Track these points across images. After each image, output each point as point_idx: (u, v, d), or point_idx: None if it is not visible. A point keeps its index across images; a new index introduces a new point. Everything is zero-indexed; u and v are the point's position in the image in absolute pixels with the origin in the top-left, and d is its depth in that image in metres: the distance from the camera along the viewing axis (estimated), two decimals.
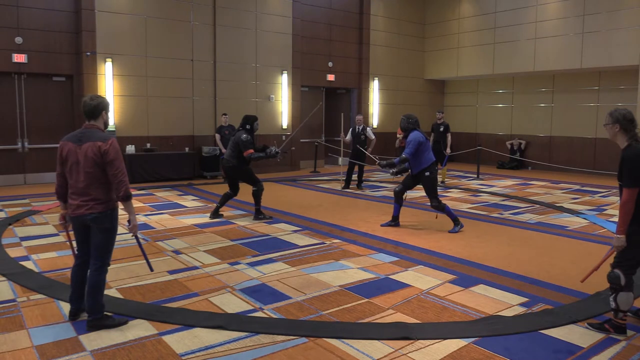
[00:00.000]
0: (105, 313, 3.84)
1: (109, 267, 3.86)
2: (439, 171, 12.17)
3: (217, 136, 12.23)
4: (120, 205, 3.78)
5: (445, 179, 12.32)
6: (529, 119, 16.05)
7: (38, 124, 11.26)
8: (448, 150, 11.72)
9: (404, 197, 7.38)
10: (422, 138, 7.01)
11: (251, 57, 13.80)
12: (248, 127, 7.74)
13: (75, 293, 3.90)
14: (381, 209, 8.75)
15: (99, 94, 11.46)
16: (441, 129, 11.85)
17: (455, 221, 7.12)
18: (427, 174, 7.01)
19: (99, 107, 3.75)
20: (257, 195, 7.82)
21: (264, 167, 14.07)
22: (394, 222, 7.43)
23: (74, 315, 3.91)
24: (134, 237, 3.95)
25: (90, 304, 3.75)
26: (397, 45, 17.28)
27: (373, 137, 11.20)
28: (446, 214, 7.10)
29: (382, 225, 7.42)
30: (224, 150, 12.18)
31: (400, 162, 7.06)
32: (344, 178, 11.35)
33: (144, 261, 5.51)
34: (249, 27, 13.70)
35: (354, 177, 11.41)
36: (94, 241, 3.74)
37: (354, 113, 16.43)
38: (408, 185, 7.31)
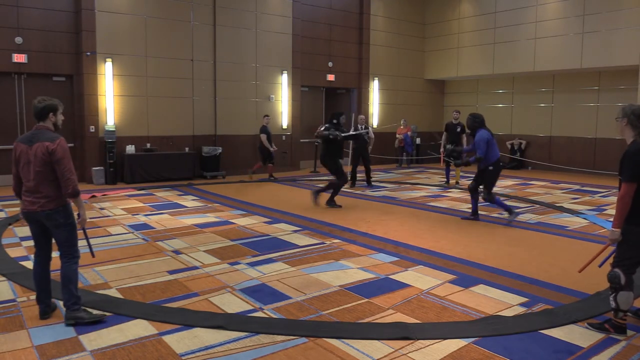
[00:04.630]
0: (83, 307, 3.90)
1: (79, 259, 3.95)
2: (452, 172, 12.10)
3: (264, 136, 12.10)
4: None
5: (459, 180, 12.17)
6: (529, 119, 16.05)
7: None
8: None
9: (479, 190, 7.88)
10: (489, 136, 7.50)
11: (251, 57, 13.80)
12: (335, 121, 8.76)
13: (42, 292, 3.95)
14: (381, 209, 8.74)
15: (99, 93, 11.58)
16: (458, 129, 11.52)
17: (509, 211, 7.60)
18: (490, 168, 7.51)
19: (46, 110, 3.84)
20: (333, 185, 8.73)
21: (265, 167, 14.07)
22: (474, 216, 7.86)
23: (44, 315, 3.94)
24: (81, 230, 4.03)
25: (65, 297, 3.83)
26: (397, 45, 17.28)
27: (372, 136, 11.40)
28: (497, 205, 7.64)
29: (462, 218, 7.92)
30: (272, 148, 12.15)
31: (476, 162, 7.54)
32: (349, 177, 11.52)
33: (144, 261, 5.54)
34: (249, 27, 13.71)
35: (358, 176, 11.50)
36: (56, 238, 3.89)
37: (355, 113, 16.43)
38: (479, 179, 7.74)
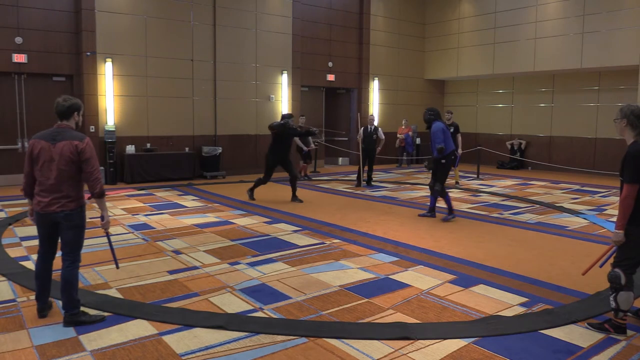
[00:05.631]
0: (81, 309, 3.91)
1: (80, 264, 3.94)
2: (451, 172, 12.11)
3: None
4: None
5: (458, 180, 12.22)
6: (529, 119, 16.05)
7: (38, 124, 11.22)
8: (460, 150, 11.69)
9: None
10: (444, 126, 7.67)
11: (251, 57, 13.80)
12: (282, 122, 9.36)
13: (43, 291, 3.96)
14: (381, 209, 8.74)
15: (99, 93, 11.58)
16: (451, 129, 11.66)
17: (450, 211, 7.76)
18: (442, 161, 7.64)
19: (72, 109, 3.85)
20: (258, 180, 9.56)
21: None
22: (430, 213, 8.03)
23: (41, 312, 3.95)
24: (105, 233, 4.07)
25: (64, 300, 3.82)
26: (397, 45, 17.28)
27: (383, 137, 11.60)
28: (445, 200, 7.76)
29: (419, 215, 8.12)
30: (306, 148, 12.53)
31: (439, 153, 7.61)
32: (356, 177, 11.72)
33: (144, 261, 5.54)
34: (249, 27, 13.70)
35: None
36: (64, 239, 3.83)
37: (354, 113, 16.46)
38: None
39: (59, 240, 3.91)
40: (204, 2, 12.92)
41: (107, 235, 4.09)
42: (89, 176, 3.74)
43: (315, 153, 14.68)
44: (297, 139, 12.35)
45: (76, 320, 3.81)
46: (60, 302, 4.22)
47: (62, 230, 3.81)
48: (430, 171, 8.09)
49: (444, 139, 7.54)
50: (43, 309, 3.96)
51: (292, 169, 9.42)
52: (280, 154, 9.32)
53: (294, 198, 9.47)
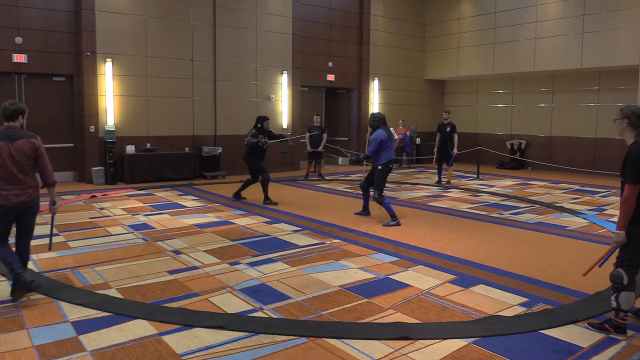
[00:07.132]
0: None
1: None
2: (445, 172, 12.16)
3: (307, 134, 12.65)
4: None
5: (451, 180, 12.26)
6: (529, 119, 16.05)
7: (38, 124, 11.23)
8: (455, 150, 11.70)
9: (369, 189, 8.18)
10: (383, 137, 7.60)
11: (251, 57, 13.80)
12: (259, 125, 9.25)
13: (19, 263, 4.28)
14: (381, 209, 8.73)
15: (99, 93, 11.58)
16: (448, 129, 11.75)
17: (393, 217, 7.54)
18: (379, 167, 7.65)
19: (17, 112, 4.33)
20: (263, 182, 9.29)
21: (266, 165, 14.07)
22: (365, 211, 8.21)
23: (31, 284, 4.22)
24: (52, 216, 4.66)
25: (23, 267, 4.31)
26: (397, 45, 17.27)
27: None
28: (385, 208, 7.58)
29: (355, 214, 8.23)
30: (309, 149, 12.66)
31: (364, 159, 8.04)
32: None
33: (144, 261, 5.54)
34: (249, 27, 13.70)
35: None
36: (28, 225, 4.39)
37: (354, 113, 16.46)
38: (371, 179, 7.91)
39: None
40: (204, 2, 12.92)
41: (52, 217, 4.66)
42: (44, 168, 4.31)
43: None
44: (307, 136, 12.65)
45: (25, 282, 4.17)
46: (60, 303, 4.24)
47: (25, 218, 4.31)
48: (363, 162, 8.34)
49: (382, 149, 7.54)
50: (31, 282, 4.21)
51: (263, 173, 9.29)
52: (257, 156, 9.23)
53: (237, 195, 9.58)
